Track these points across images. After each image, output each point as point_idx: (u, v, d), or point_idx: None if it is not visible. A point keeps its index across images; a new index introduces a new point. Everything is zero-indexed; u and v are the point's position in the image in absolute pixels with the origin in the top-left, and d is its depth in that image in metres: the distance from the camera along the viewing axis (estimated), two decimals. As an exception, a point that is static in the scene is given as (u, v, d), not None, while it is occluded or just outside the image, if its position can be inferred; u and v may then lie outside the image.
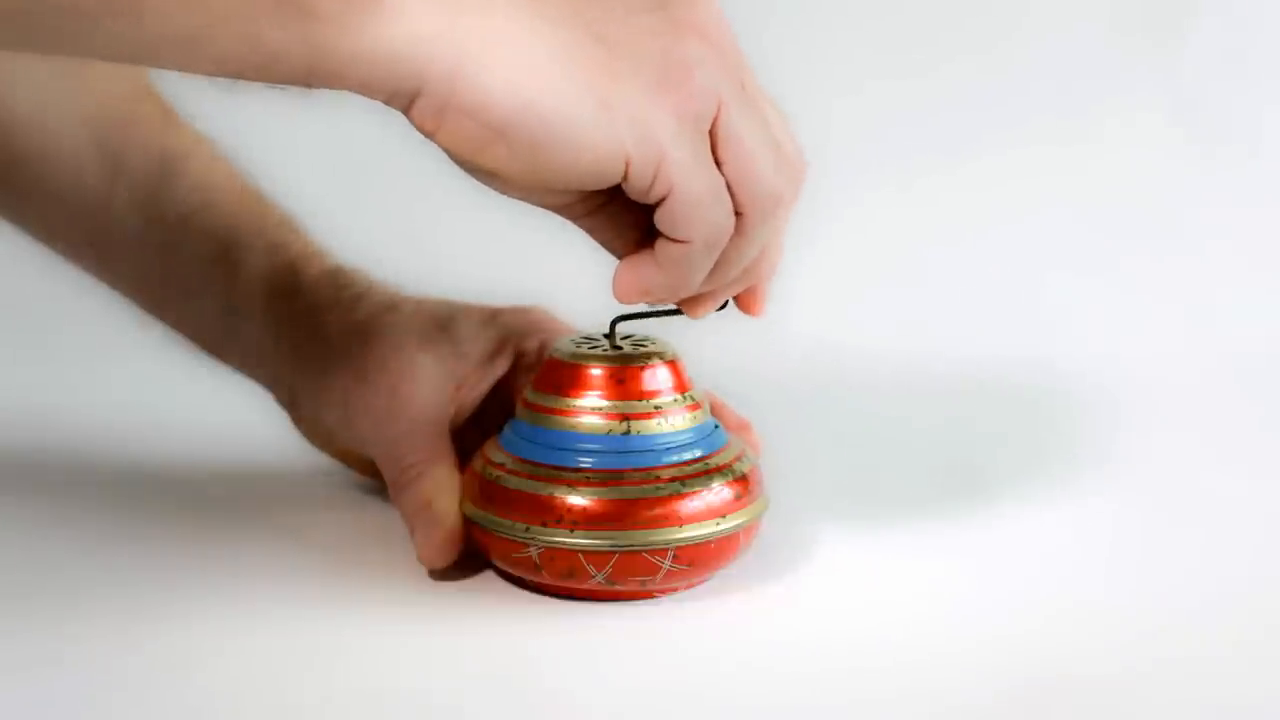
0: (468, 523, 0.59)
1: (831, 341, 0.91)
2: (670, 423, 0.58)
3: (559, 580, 0.57)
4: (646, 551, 0.56)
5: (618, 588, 0.57)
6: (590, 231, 0.54)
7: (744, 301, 0.57)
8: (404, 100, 0.48)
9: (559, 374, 0.59)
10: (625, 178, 0.50)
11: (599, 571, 0.56)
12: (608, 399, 0.58)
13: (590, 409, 0.58)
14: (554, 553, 0.56)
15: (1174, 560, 0.63)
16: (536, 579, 0.58)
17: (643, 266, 0.52)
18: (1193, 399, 0.83)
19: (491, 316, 0.65)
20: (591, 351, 0.59)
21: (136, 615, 0.57)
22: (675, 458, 0.57)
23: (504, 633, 0.56)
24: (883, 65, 1.04)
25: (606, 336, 0.60)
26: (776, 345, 0.91)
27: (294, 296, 0.66)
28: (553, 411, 0.58)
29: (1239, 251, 0.96)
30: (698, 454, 0.58)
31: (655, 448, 0.57)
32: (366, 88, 0.48)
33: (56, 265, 0.72)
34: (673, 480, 0.57)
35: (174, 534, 0.65)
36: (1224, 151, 1.01)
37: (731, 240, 0.52)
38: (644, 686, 0.52)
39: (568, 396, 0.58)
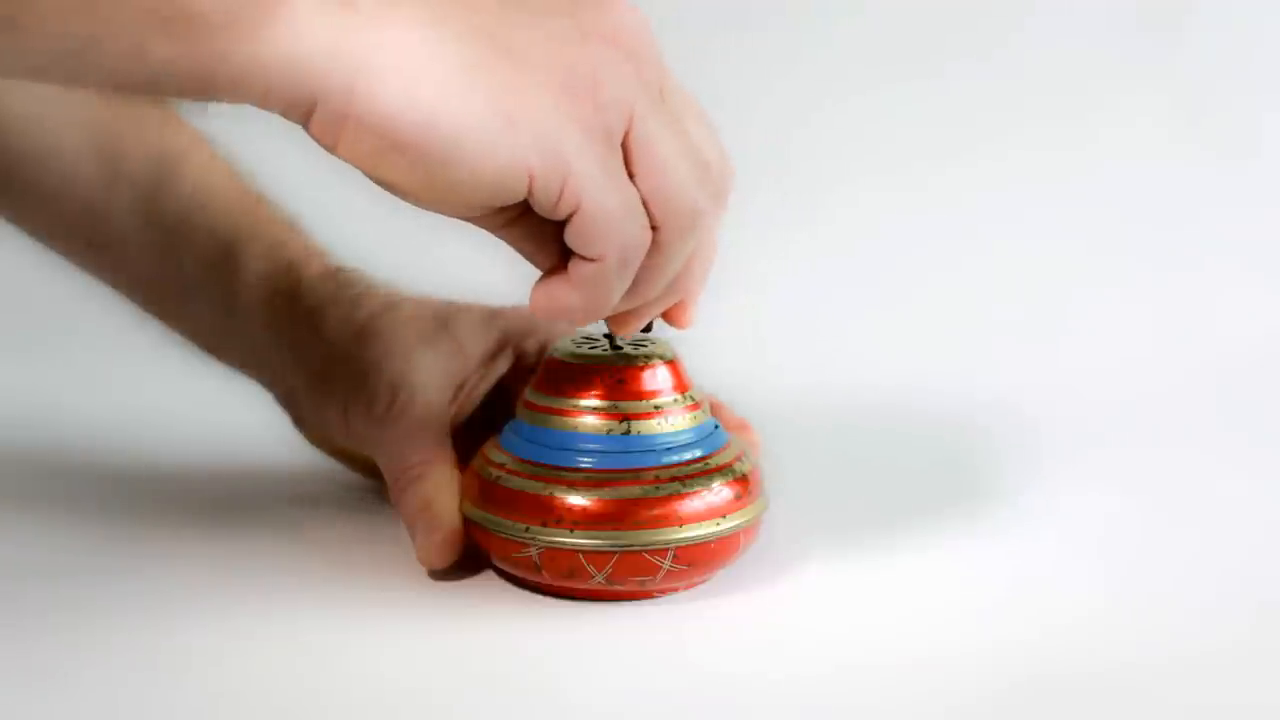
0: (468, 523, 0.59)
1: (830, 342, 0.91)
2: (670, 423, 0.58)
3: (559, 580, 0.57)
4: (646, 551, 0.56)
5: (618, 588, 0.56)
6: (511, 243, 0.52)
7: (671, 316, 0.55)
8: (301, 112, 0.47)
9: (559, 374, 0.59)
10: (530, 193, 0.48)
11: (599, 571, 0.56)
12: (608, 399, 0.58)
13: (590, 409, 0.58)
14: (554, 553, 0.56)
15: (1172, 561, 0.63)
16: (536, 579, 0.58)
17: (557, 286, 0.50)
18: (1192, 400, 0.83)
19: (491, 316, 0.65)
20: (591, 351, 0.59)
21: (136, 615, 0.57)
22: (675, 458, 0.57)
23: (504, 633, 0.56)
24: (881, 66, 1.04)
25: (607, 336, 0.60)
26: (776, 345, 0.91)
27: (294, 296, 0.66)
28: (553, 411, 0.58)
29: (1239, 252, 0.96)
30: (698, 454, 0.58)
31: (655, 448, 0.57)
32: (263, 100, 0.47)
33: (56, 265, 0.72)
34: (673, 480, 0.57)
35: (173, 534, 0.65)
36: (1224, 152, 1.00)
37: (649, 256, 0.50)
38: (644, 686, 0.52)
39: (568, 396, 0.58)
